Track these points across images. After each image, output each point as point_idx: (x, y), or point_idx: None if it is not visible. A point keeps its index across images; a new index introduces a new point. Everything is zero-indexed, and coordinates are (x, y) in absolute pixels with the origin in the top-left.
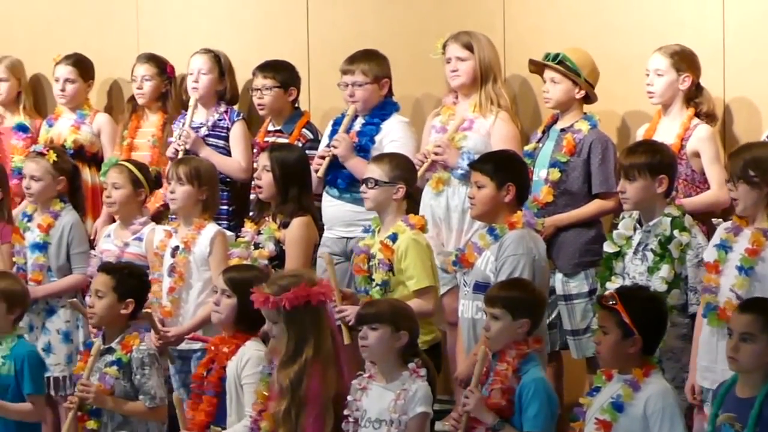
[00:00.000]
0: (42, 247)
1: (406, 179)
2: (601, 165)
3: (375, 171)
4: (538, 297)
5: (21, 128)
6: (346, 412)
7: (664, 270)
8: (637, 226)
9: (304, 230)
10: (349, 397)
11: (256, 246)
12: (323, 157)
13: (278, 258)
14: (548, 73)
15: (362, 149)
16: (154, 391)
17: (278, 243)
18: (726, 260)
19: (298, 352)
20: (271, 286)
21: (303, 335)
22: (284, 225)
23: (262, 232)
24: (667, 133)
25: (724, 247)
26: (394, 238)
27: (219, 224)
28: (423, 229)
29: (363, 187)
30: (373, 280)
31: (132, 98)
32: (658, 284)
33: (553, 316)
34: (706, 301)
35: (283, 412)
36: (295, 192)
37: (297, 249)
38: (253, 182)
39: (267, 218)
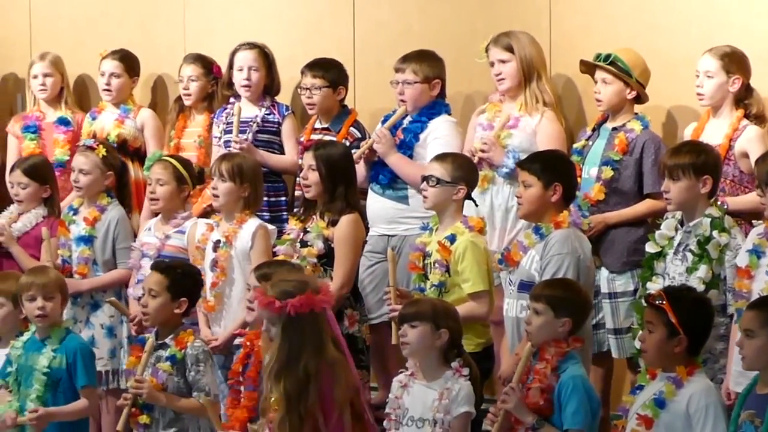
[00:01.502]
0: (87, 240)
1: (467, 180)
2: (654, 165)
3: (437, 169)
4: (583, 298)
5: (63, 122)
6: (387, 410)
7: (702, 270)
8: (679, 226)
9: (352, 228)
10: (390, 395)
11: (303, 244)
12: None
13: (327, 256)
14: (599, 74)
15: (406, 146)
16: (209, 388)
17: (327, 241)
18: (758, 265)
19: (293, 361)
20: (275, 288)
21: (300, 344)
22: (332, 223)
23: (308, 229)
24: (715, 133)
25: (757, 252)
26: (452, 239)
27: (279, 216)
28: (482, 231)
29: (423, 185)
30: (428, 278)
31: (179, 98)
32: (695, 284)
33: (600, 316)
34: (737, 307)
35: (279, 424)
36: (342, 190)
37: (346, 247)
38: (299, 180)
39: (313, 216)
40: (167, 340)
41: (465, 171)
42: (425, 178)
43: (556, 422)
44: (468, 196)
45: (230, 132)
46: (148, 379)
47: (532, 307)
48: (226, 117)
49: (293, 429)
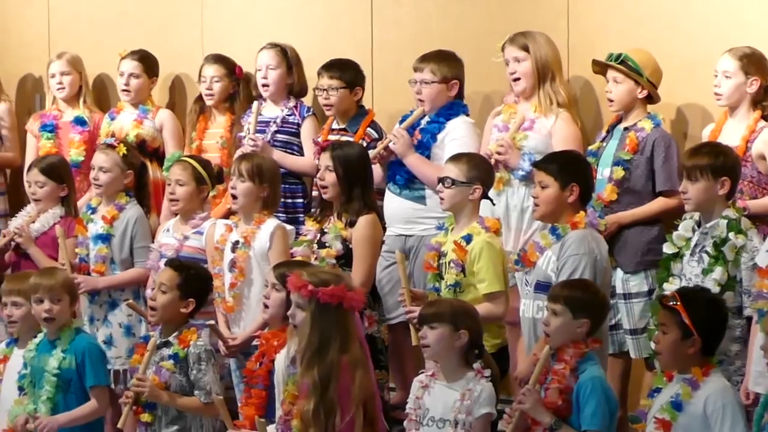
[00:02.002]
0: (105, 238)
1: (483, 180)
2: (665, 163)
3: (452, 170)
4: (600, 300)
5: (79, 122)
6: (407, 410)
7: (717, 272)
8: (696, 227)
9: (370, 228)
10: (410, 395)
11: (320, 245)
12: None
13: (345, 257)
14: (611, 73)
15: (424, 147)
16: (210, 387)
17: (345, 242)
18: None
19: (323, 349)
20: (311, 275)
21: (328, 332)
22: (350, 224)
23: (326, 230)
24: (732, 134)
25: None
26: (468, 239)
27: (296, 218)
28: (498, 232)
29: (439, 186)
30: (443, 278)
31: (198, 99)
32: (710, 286)
33: (618, 317)
34: (757, 308)
35: (312, 412)
36: (359, 190)
37: (364, 248)
38: (316, 181)
39: (330, 217)
40: (171, 338)
41: (480, 171)
42: (440, 180)
43: (574, 423)
44: (485, 196)
45: (260, 132)
46: (150, 377)
47: (550, 308)
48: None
49: (326, 417)
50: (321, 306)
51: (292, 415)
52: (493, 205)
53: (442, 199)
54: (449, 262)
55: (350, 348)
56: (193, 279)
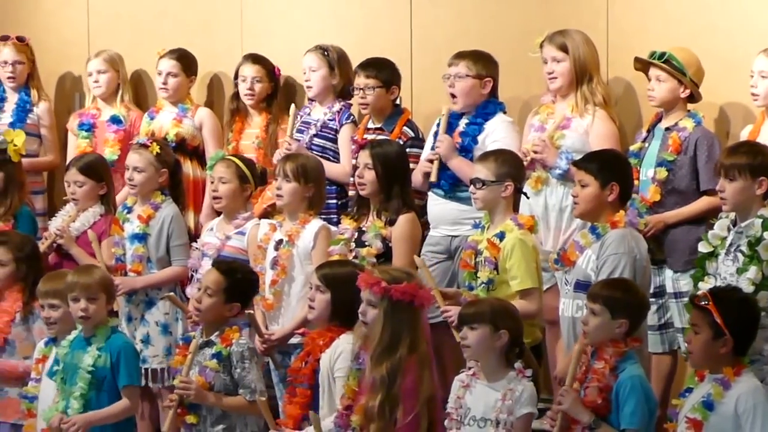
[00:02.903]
0: (141, 237)
1: (514, 176)
2: (708, 162)
3: (482, 171)
4: (640, 300)
5: (114, 120)
6: (448, 410)
7: (752, 272)
8: (731, 226)
9: (410, 227)
10: (451, 394)
11: (358, 243)
12: (431, 161)
13: (384, 255)
14: (654, 72)
15: (465, 150)
16: (255, 385)
17: (384, 240)
18: None
19: (393, 346)
20: (383, 273)
21: (399, 330)
22: (390, 222)
23: (364, 229)
24: None
25: None
26: (501, 236)
27: (329, 218)
28: (532, 229)
29: (471, 188)
30: (479, 277)
31: (234, 98)
32: (744, 285)
33: (668, 315)
34: None
35: (378, 407)
36: (398, 188)
37: (404, 246)
38: (353, 179)
39: (367, 215)
40: (213, 338)
41: (509, 167)
42: (472, 182)
43: (613, 422)
44: (519, 190)
45: (301, 132)
46: (195, 378)
47: (589, 307)
48: (300, 118)
49: (391, 414)
50: (393, 303)
51: (351, 410)
52: (527, 198)
53: (475, 200)
54: (483, 260)
55: (419, 347)
56: (239, 283)
